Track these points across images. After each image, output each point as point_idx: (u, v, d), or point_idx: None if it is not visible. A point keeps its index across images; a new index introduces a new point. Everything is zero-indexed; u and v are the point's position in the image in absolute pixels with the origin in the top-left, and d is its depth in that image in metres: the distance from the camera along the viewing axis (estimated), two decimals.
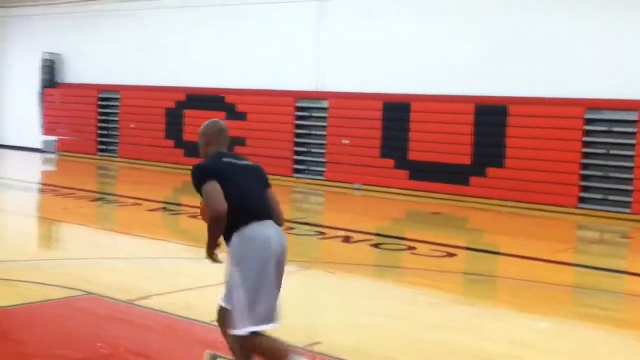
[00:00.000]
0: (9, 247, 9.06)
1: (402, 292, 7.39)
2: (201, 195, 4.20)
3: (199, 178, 4.25)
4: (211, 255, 4.19)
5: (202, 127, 4.73)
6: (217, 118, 4.94)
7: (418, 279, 8.02)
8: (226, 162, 4.44)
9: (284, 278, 4.27)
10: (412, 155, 16.81)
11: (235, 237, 4.13)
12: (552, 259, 9.47)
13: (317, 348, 5.19)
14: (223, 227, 4.10)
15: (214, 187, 4.13)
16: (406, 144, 16.87)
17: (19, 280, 6.68)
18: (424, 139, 16.62)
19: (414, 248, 9.86)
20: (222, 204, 4.06)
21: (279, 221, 4.31)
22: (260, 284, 4.06)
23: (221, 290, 4.28)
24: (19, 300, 5.99)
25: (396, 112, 17.08)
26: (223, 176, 4.22)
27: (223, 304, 4.24)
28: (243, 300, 4.02)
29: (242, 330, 4.03)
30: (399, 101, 17.16)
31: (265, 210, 4.25)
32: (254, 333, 4.04)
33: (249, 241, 4.11)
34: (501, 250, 10.50)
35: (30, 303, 5.95)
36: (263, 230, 4.15)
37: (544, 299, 7.51)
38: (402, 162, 16.91)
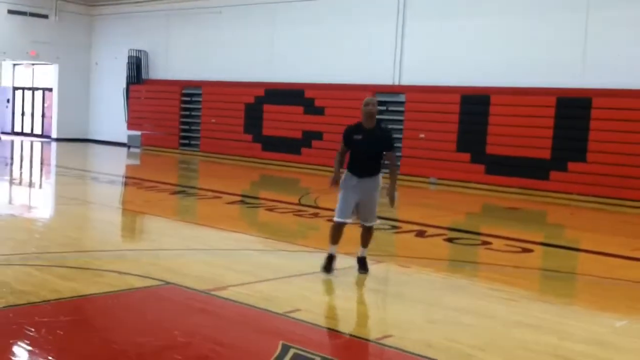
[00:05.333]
0: (96, 238, 9.47)
1: (477, 287, 7.33)
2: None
3: None
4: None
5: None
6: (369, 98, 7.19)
7: (493, 275, 7.94)
8: None
9: None
10: (490, 150, 16.59)
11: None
12: (633, 255, 9.21)
13: (388, 341, 5.23)
14: None
15: None
16: (484, 138, 16.67)
17: (103, 270, 6.98)
18: (502, 132, 16.38)
19: (489, 243, 9.76)
20: None
21: None
22: None
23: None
24: (103, 289, 6.26)
25: (474, 106, 16.89)
26: None
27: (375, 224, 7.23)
28: None
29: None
30: (477, 93, 16.96)
31: None
32: None
33: None
34: (580, 247, 10.27)
35: (113, 292, 6.21)
36: None
37: (624, 297, 7.32)
38: (479, 156, 16.72)
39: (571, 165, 15.31)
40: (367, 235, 7.32)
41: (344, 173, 7.12)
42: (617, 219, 13.46)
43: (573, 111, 15.37)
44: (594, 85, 15.20)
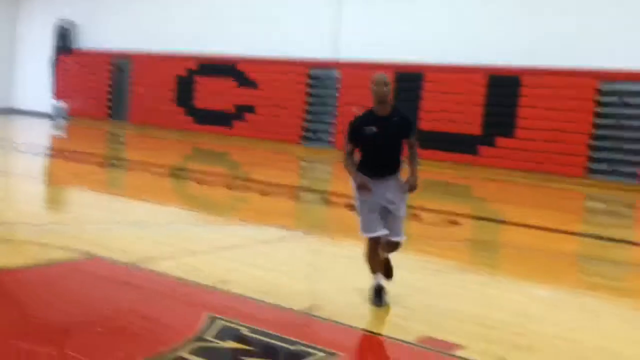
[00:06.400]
0: (20, 210, 9.14)
1: (406, 259, 7.38)
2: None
3: None
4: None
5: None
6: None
7: (422, 247, 8.01)
8: None
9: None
10: (423, 125, 16.75)
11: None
12: (559, 228, 9.46)
13: (317, 312, 5.22)
14: None
15: None
16: (417, 114, 16.81)
17: (27, 242, 6.75)
18: (435, 108, 16.55)
19: (418, 216, 9.86)
20: None
21: None
22: None
23: None
24: (25, 262, 6.05)
25: (408, 82, 16.99)
26: None
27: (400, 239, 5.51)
28: None
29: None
30: (411, 71, 17.05)
31: None
32: None
33: None
34: (507, 219, 10.49)
35: (36, 265, 6.00)
36: None
37: (549, 268, 7.51)
38: None
39: (500, 141, 15.61)
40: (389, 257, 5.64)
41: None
42: (543, 193, 13.81)
43: (503, 89, 15.64)
44: (523, 64, 15.47)
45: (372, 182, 5.32)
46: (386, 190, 5.36)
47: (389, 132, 5.35)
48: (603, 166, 14.28)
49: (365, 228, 5.41)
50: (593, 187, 13.96)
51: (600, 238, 9.15)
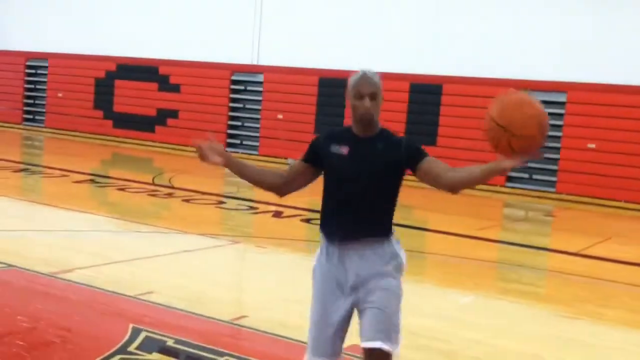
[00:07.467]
0: None
1: None
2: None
3: None
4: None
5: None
6: None
7: None
8: None
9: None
10: None
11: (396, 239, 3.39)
12: (478, 235, 9.70)
13: (243, 322, 5.17)
14: None
15: None
16: (341, 121, 16.91)
17: None
18: None
19: None
20: None
21: None
22: None
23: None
24: None
25: (332, 88, 17.09)
26: None
27: (385, 347, 3.22)
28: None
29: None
30: (335, 77, 17.15)
31: None
32: None
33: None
34: (429, 227, 10.68)
35: None
36: None
37: (469, 275, 7.68)
38: None
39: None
40: None
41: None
42: (464, 201, 14.08)
43: (425, 97, 15.93)
44: (444, 73, 15.80)
45: (337, 255, 3.34)
46: (358, 269, 3.32)
47: (368, 161, 3.30)
48: (522, 174, 14.73)
49: (311, 345, 3.41)
50: (512, 195, 14.38)
51: (519, 245, 9.43)
